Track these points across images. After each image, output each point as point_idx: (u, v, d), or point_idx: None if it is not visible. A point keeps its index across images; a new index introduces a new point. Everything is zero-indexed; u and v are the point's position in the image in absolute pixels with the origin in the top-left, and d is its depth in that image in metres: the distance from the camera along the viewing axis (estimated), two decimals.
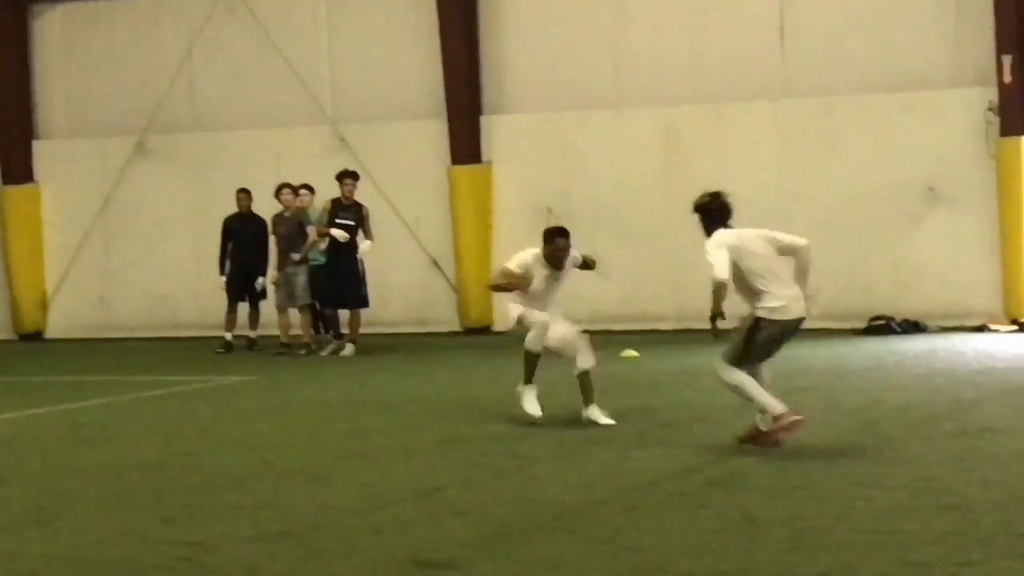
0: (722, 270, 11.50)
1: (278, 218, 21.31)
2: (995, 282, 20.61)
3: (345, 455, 12.22)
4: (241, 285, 21.72)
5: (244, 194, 21.94)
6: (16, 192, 25.36)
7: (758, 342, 11.54)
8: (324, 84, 24.23)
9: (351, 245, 20.37)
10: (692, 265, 22.34)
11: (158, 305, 24.64)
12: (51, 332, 25.49)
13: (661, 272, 22.65)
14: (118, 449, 12.96)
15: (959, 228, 21.04)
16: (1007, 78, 20.46)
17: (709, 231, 12.02)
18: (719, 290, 11.55)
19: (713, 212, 12.18)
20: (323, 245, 20.54)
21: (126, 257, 25.04)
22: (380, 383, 17.41)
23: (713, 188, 21.54)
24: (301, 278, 20.86)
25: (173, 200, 24.27)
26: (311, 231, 20.80)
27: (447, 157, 23.48)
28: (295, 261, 20.89)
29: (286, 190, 21.27)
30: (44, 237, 25.49)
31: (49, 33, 25.50)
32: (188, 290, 23.55)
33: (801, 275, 11.83)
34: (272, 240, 21.38)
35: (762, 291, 11.54)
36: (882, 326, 20.83)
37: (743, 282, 11.67)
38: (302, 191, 21.22)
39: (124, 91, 25.04)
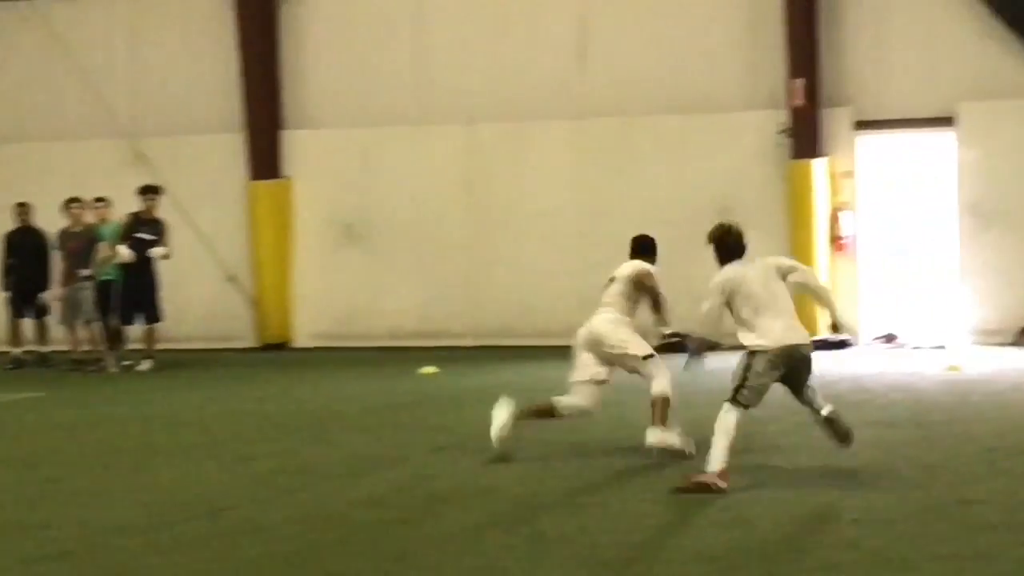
0: (706, 317, 11.68)
1: (66, 233, 20.92)
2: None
3: (134, 473, 12.07)
4: (22, 300, 21.28)
5: (22, 208, 21.51)
6: None
7: (750, 376, 11.35)
8: (122, 97, 23.91)
9: (146, 259, 20.12)
10: (491, 282, 22.56)
11: None
12: None
13: (460, 289, 22.74)
14: None
15: (751, 248, 21.36)
16: (798, 102, 20.92)
17: (720, 264, 12.02)
18: (702, 331, 11.75)
19: (721, 246, 12.18)
20: (118, 260, 20.25)
21: None
22: (174, 399, 17.22)
23: (511, 203, 22.02)
24: (88, 294, 20.54)
25: None
26: (102, 247, 20.53)
27: (246, 172, 23.33)
28: (84, 276, 20.55)
29: (74, 204, 20.91)
30: None
31: None
32: None
33: (817, 300, 12.18)
34: (61, 255, 20.98)
35: (752, 323, 11.44)
36: (678, 343, 21.06)
37: (737, 317, 11.59)
38: (98, 204, 20.88)
39: None
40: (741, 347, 11.31)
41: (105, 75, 23.89)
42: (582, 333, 12.45)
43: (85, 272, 20.54)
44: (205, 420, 15.28)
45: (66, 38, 23.86)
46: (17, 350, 21.25)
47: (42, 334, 21.41)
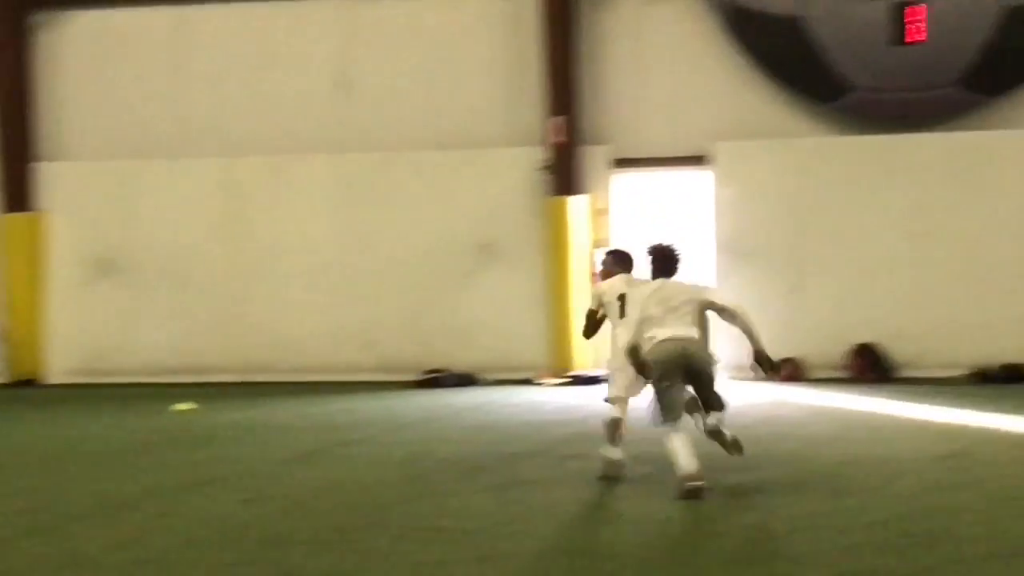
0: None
1: None
2: (543, 337, 21.23)
3: None
4: None
5: None
6: None
7: (655, 390, 11.61)
8: None
9: None
10: (249, 318, 22.36)
11: None
12: None
13: (218, 324, 22.49)
14: None
15: (510, 284, 21.61)
16: (556, 139, 21.15)
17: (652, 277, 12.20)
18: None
19: (652, 261, 12.31)
20: None
21: None
22: None
23: (270, 237, 21.88)
24: None
25: None
26: None
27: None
28: None
29: None
30: None
31: None
32: None
33: (745, 335, 11.96)
34: None
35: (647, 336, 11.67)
36: (436, 379, 21.18)
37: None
38: None
39: None
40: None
41: None
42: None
43: None
44: None
45: None
46: None
47: None
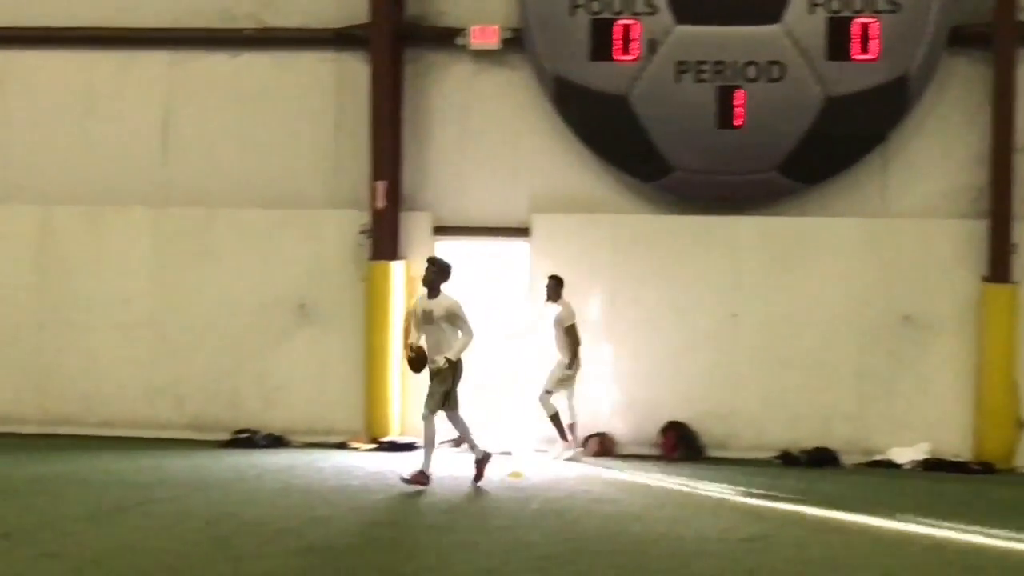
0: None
1: None
2: (358, 400, 21.13)
3: None
4: None
5: None
6: None
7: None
8: None
9: None
10: (59, 369, 21.96)
11: None
12: None
13: (27, 374, 22.06)
14: None
15: (327, 346, 21.49)
16: (379, 203, 21.15)
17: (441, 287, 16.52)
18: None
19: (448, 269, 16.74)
20: None
21: None
22: None
23: (86, 289, 21.62)
24: None
25: None
26: None
27: None
28: None
29: None
30: None
31: None
32: None
33: None
34: None
35: None
36: (246, 439, 20.96)
37: None
38: None
39: None
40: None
41: None
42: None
43: None
44: None
45: None
46: None
47: None
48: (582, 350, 19.90)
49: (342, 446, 20.61)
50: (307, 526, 13.66)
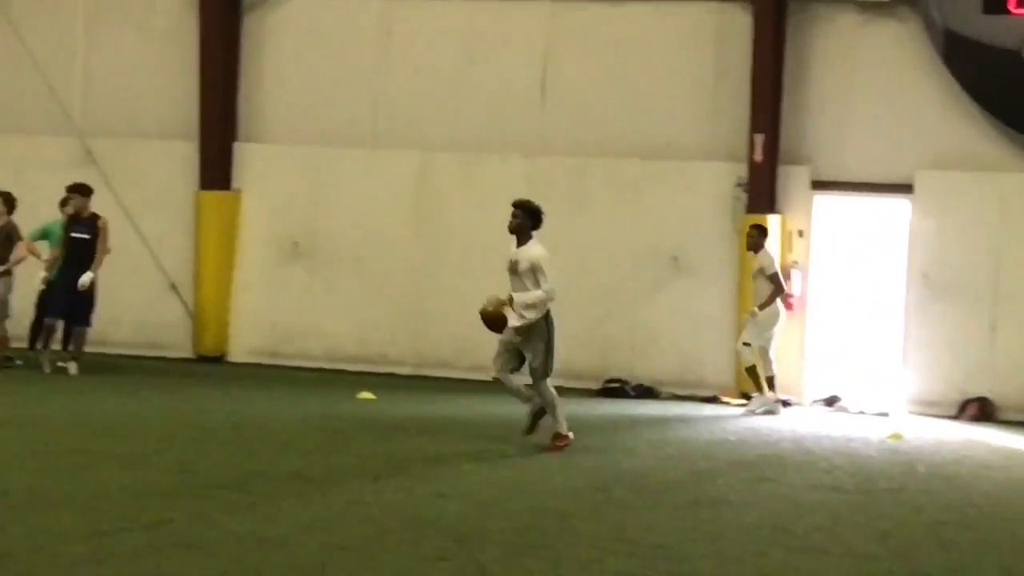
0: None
1: None
2: (729, 355, 20.91)
3: (69, 479, 11.78)
4: None
5: None
6: None
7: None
8: (75, 95, 23.56)
9: (81, 259, 19.82)
10: (433, 312, 22.35)
11: None
12: None
13: (402, 316, 22.51)
14: None
15: (699, 299, 21.33)
16: (757, 156, 20.87)
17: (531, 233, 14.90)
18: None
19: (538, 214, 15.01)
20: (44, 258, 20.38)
21: None
22: (107, 406, 16.91)
23: (461, 235, 21.92)
24: (2, 292, 20.11)
25: None
26: (19, 247, 20.26)
27: (196, 181, 23.03)
28: None
29: None
30: None
31: None
32: None
33: None
34: None
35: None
36: (616, 389, 20.98)
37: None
38: None
39: None
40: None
41: (61, 70, 23.53)
42: None
43: None
44: (139, 429, 14.98)
45: (23, 29, 23.50)
46: None
47: None
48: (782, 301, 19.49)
49: (712, 400, 20.45)
50: (689, 479, 13.58)
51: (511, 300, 14.69)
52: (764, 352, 19.45)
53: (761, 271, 19.49)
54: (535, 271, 14.58)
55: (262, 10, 23.19)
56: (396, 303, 22.55)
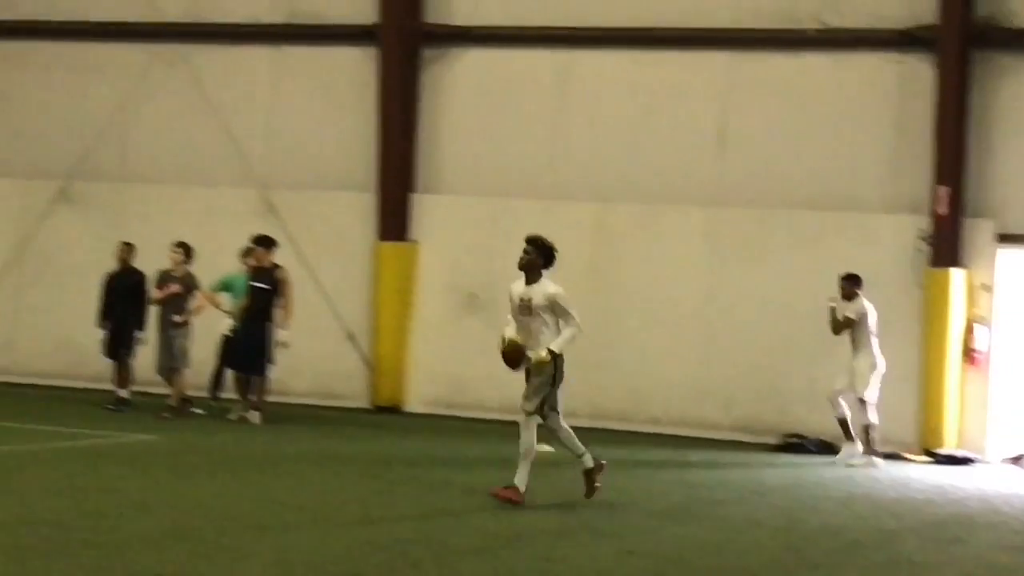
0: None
1: (164, 276, 20.82)
2: (912, 411, 20.55)
3: (257, 525, 11.88)
4: (117, 341, 21.05)
5: (125, 248, 21.18)
6: None
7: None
8: (257, 147, 23.94)
9: (262, 310, 20.10)
10: (609, 365, 22.27)
11: (65, 353, 24.10)
12: None
13: (578, 368, 22.38)
14: (21, 502, 12.55)
15: (879, 353, 20.99)
16: (941, 209, 20.55)
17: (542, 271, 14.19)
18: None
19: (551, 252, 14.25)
20: (225, 309, 20.73)
21: (38, 301, 24.51)
22: (289, 454, 17.05)
23: (638, 286, 21.80)
24: (180, 340, 20.49)
25: (92, 248, 23.68)
26: (197, 297, 20.61)
27: (374, 232, 23.25)
28: (175, 323, 20.51)
29: (177, 249, 20.83)
30: None
31: None
32: (97, 340, 22.91)
33: None
34: (154, 298, 20.75)
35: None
36: (796, 444, 20.72)
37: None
38: (176, 250, 20.80)
39: (53, 135, 24.61)
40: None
41: (243, 124, 23.95)
42: None
43: (178, 318, 20.49)
44: (323, 479, 15.09)
45: (207, 85, 23.96)
46: (123, 391, 21.04)
47: (124, 377, 21.11)
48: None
49: (894, 456, 20.08)
50: (879, 539, 13.33)
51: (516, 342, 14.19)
52: (865, 402, 19.18)
53: (857, 320, 19.18)
54: (554, 307, 14.08)
55: (440, 63, 23.38)
56: (572, 354, 22.46)
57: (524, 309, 14.05)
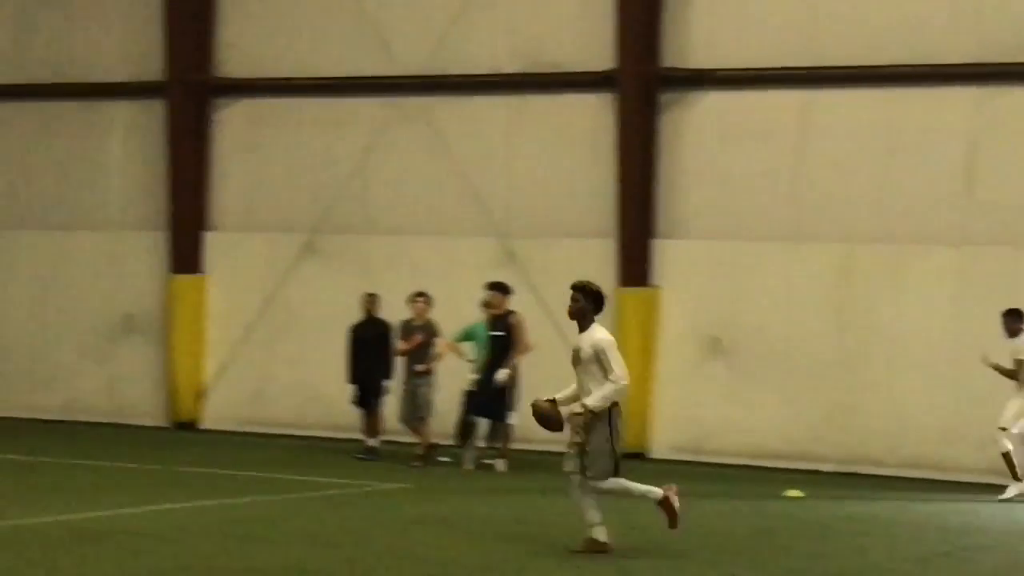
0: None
1: (407, 326, 21.04)
2: None
3: (516, 570, 11.87)
4: (365, 391, 21.36)
5: (369, 299, 21.64)
6: (184, 281, 25.39)
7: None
8: (497, 196, 24.07)
9: (503, 358, 20.20)
10: (858, 408, 21.86)
11: (314, 404, 24.49)
12: (206, 422, 25.43)
13: (826, 412, 22.10)
14: (280, 551, 12.73)
15: None
16: None
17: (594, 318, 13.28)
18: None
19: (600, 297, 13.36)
20: (468, 358, 20.79)
21: (286, 353, 24.96)
22: (540, 503, 17.02)
23: (887, 327, 21.33)
24: (425, 389, 20.67)
25: (337, 300, 24.05)
26: (439, 344, 20.81)
27: (614, 278, 23.18)
28: (417, 372, 20.70)
29: (419, 299, 21.06)
30: (208, 327, 25.53)
31: (230, 127, 25.61)
32: (344, 391, 23.23)
33: None
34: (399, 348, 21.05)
35: None
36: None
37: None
38: (417, 299, 21.02)
39: (298, 189, 25.10)
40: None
41: (482, 173, 24.12)
42: None
43: (421, 367, 20.68)
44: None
45: (445, 135, 24.21)
46: (372, 440, 21.32)
47: (372, 426, 21.39)
48: None
49: None
50: None
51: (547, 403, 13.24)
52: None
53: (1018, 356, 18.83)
54: (599, 358, 13.00)
55: (678, 107, 23.27)
56: (821, 398, 22.17)
57: (575, 360, 13.17)
